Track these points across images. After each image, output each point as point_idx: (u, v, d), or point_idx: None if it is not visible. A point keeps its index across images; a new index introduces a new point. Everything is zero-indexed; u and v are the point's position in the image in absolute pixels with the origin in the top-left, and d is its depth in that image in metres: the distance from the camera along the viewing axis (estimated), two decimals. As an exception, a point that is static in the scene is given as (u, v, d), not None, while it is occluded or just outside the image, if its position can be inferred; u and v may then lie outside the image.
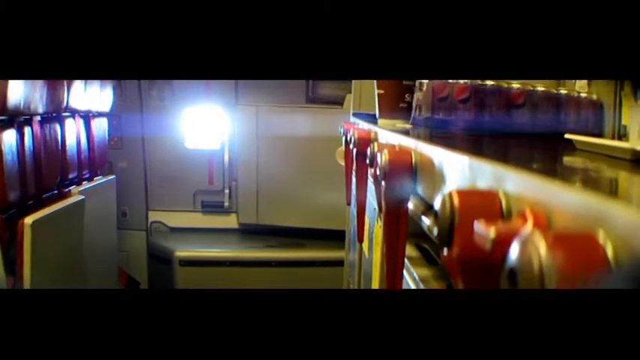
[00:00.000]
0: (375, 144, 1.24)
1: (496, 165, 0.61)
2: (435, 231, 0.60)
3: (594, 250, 0.37)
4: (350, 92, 3.40)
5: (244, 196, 5.10)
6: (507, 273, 0.42)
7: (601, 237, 0.38)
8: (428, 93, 2.08)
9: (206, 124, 5.20)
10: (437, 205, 0.60)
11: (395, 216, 1.09)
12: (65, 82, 3.57)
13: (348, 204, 2.53)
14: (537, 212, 0.48)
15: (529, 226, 0.47)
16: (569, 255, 0.37)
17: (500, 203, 0.55)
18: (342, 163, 2.41)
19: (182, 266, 4.64)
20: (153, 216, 5.27)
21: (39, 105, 3.24)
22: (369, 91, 2.79)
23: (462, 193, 0.58)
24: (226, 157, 5.19)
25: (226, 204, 5.23)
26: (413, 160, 1.02)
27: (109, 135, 4.61)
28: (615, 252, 0.36)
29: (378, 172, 1.09)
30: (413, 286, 1.18)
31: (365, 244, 2.04)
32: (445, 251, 0.59)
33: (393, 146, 1.17)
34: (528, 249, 0.38)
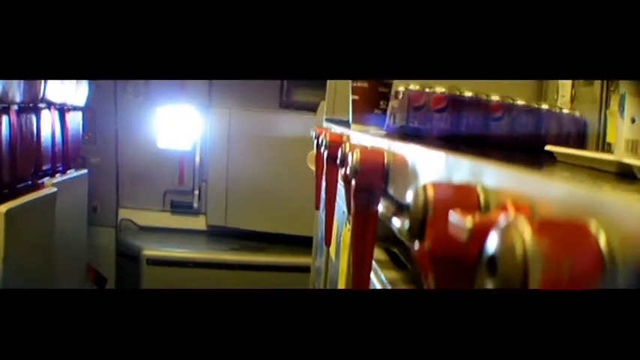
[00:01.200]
0: (347, 144, 1.22)
1: (473, 159, 0.59)
2: (406, 224, 0.57)
3: (582, 236, 0.34)
4: (324, 99, 3.38)
5: (213, 197, 5.08)
6: (486, 262, 0.39)
7: (589, 224, 0.35)
8: (403, 101, 2.06)
9: (179, 124, 5.17)
10: (409, 197, 0.58)
11: (364, 217, 1.06)
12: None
13: (317, 208, 2.51)
14: (519, 204, 0.45)
15: (511, 214, 0.44)
16: (556, 241, 0.34)
17: (478, 197, 0.52)
18: (313, 168, 2.39)
19: (149, 265, 4.62)
20: (123, 213, 5.23)
21: (16, 94, 3.20)
22: (343, 97, 2.77)
23: (436, 186, 0.55)
24: (197, 159, 5.17)
25: (195, 205, 5.21)
26: (385, 160, 1.00)
27: (83, 129, 4.57)
28: (605, 239, 0.34)
29: (348, 172, 1.07)
30: (380, 288, 1.15)
31: (332, 248, 2.02)
32: (416, 245, 0.56)
33: (365, 147, 1.15)
34: (511, 234, 0.35)
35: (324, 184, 2.19)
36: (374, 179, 1.00)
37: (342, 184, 1.28)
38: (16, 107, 3.28)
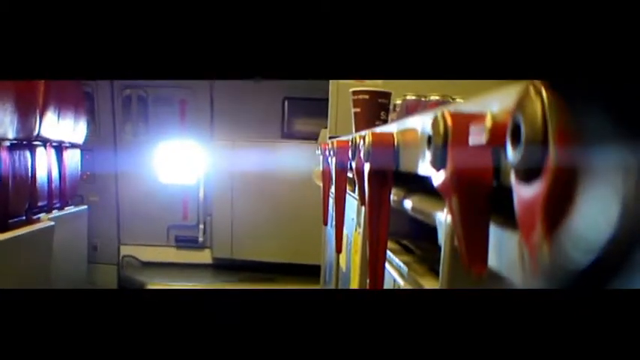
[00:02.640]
0: (357, 136, 1.24)
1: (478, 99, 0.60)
2: (429, 155, 0.59)
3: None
4: (324, 127, 3.42)
5: (219, 231, 5.06)
6: (511, 134, 0.40)
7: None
8: (402, 112, 2.09)
9: (181, 159, 5.19)
10: (429, 127, 0.59)
11: (378, 200, 1.08)
12: (37, 111, 3.54)
13: (325, 224, 2.51)
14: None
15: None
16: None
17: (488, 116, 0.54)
18: (320, 184, 2.40)
19: (154, 300, 4.56)
20: (125, 250, 5.22)
21: (9, 130, 3.19)
22: (344, 116, 2.79)
23: (452, 113, 0.57)
24: (201, 193, 5.17)
25: (200, 239, 5.20)
26: (395, 140, 1.02)
27: (81, 167, 4.56)
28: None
29: (362, 156, 1.09)
30: (394, 273, 1.16)
31: (342, 256, 2.02)
32: (439, 175, 0.57)
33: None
34: (530, 95, 0.37)
35: (331, 201, 2.20)
36: (386, 159, 1.01)
37: (355, 177, 1.29)
38: (8, 144, 3.28)
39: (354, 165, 1.27)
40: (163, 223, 5.22)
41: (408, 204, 1.05)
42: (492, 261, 0.58)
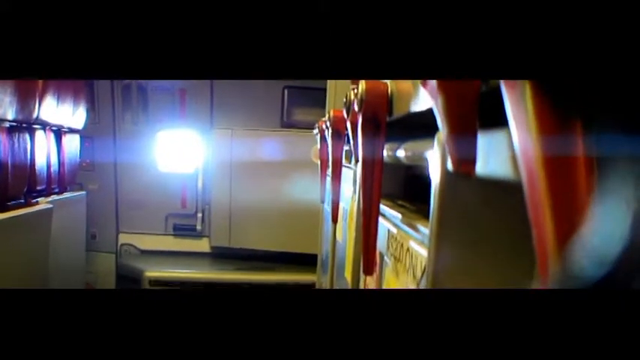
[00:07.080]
0: (351, 90, 1.22)
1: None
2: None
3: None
4: (323, 117, 3.40)
5: (217, 219, 5.05)
6: None
7: None
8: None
9: (180, 148, 5.17)
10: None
11: (372, 149, 1.07)
12: (37, 93, 3.52)
13: (322, 202, 2.50)
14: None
15: None
16: None
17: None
18: (317, 162, 2.39)
19: (152, 286, 4.57)
20: (123, 238, 5.21)
21: (8, 111, 3.16)
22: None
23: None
24: (200, 182, 5.16)
25: (199, 227, 5.20)
26: (389, 88, 1.01)
27: (80, 153, 4.54)
28: None
29: (355, 107, 1.08)
30: (388, 225, 1.15)
31: (339, 226, 2.01)
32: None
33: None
34: None
35: (328, 180, 2.19)
36: (379, 106, 1.00)
37: (349, 132, 1.28)
38: (7, 125, 3.26)
39: (349, 124, 1.27)
40: (162, 212, 5.22)
41: (401, 153, 1.05)
42: (482, 168, 0.57)
